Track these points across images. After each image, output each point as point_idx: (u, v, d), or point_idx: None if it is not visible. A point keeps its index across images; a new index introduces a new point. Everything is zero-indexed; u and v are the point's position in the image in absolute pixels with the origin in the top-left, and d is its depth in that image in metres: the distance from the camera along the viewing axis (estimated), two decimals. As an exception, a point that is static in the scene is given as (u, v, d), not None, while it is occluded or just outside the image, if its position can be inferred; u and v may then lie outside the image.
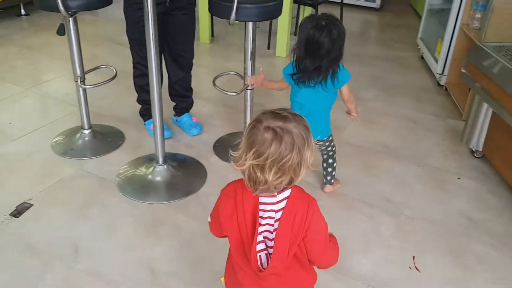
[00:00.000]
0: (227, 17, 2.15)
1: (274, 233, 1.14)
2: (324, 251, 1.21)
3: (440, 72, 3.49)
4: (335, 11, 2.80)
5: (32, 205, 2.20)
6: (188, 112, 2.86)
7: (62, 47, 3.95)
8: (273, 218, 1.14)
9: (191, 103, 2.85)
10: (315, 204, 1.16)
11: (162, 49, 2.41)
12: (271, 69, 3.73)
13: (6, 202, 2.20)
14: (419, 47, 4.13)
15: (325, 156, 2.25)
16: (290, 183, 1.10)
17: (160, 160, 2.41)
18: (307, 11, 4.40)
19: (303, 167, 1.08)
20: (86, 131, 2.70)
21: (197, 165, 2.54)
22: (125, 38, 2.53)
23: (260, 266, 1.17)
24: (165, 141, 2.40)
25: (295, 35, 4.29)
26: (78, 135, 2.70)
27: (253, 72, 2.44)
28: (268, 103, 3.16)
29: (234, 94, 2.48)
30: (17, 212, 2.15)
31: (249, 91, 2.51)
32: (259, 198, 1.13)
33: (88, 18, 4.71)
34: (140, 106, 2.77)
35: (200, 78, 3.57)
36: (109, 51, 3.98)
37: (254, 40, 2.34)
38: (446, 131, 2.97)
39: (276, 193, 1.13)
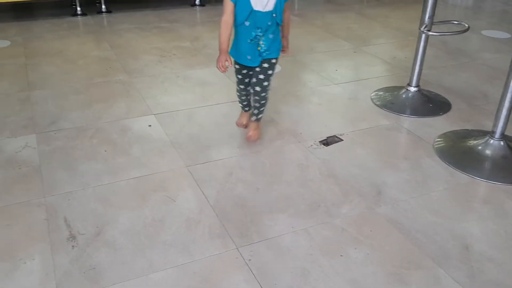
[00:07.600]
0: None
1: None
2: None
3: None
4: None
5: (342, 140, 2.07)
6: None
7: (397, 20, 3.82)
8: None
9: None
10: None
11: None
12: None
13: (318, 131, 2.14)
14: None
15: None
16: None
17: (497, 134, 1.94)
18: None
19: None
20: (413, 89, 2.43)
21: (541, 155, 1.95)
22: None
23: None
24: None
25: None
26: (402, 91, 2.46)
27: None
28: None
29: None
30: (327, 142, 2.06)
31: None
32: None
33: None
34: None
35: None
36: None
37: None
38: None
39: None
